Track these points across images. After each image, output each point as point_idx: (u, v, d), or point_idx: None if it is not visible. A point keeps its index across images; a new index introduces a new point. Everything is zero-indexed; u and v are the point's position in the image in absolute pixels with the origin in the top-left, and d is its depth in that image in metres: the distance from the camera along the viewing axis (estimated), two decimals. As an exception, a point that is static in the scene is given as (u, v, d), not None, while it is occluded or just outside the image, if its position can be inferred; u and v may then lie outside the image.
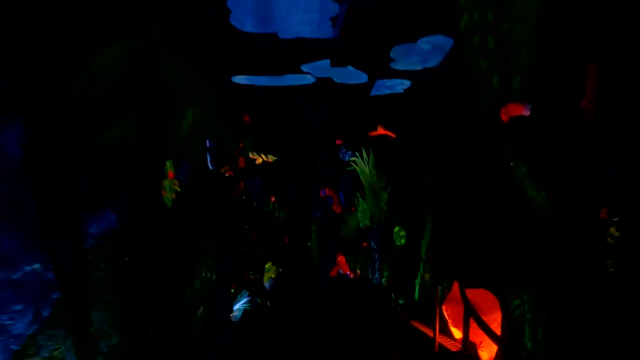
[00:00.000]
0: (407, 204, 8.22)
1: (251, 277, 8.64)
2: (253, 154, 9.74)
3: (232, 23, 4.80)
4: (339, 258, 11.96)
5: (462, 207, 5.69)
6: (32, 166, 2.57)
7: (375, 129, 9.72)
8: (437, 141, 6.94)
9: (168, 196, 4.34)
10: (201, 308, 5.64)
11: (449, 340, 5.62)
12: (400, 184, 8.92)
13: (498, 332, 4.40)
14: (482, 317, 4.02)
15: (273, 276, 9.46)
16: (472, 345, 4.72)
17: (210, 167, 6.89)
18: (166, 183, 4.34)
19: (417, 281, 7.19)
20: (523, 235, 4.08)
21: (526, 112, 3.71)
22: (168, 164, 4.46)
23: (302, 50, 5.69)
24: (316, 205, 12.53)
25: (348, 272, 11.74)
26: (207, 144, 6.78)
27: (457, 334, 5.55)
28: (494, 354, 4.63)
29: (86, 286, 3.00)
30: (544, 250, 3.77)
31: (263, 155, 10.04)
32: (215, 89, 7.29)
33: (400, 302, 7.76)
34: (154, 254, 3.96)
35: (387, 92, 7.62)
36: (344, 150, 11.24)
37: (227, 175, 7.83)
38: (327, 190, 12.36)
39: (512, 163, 4.17)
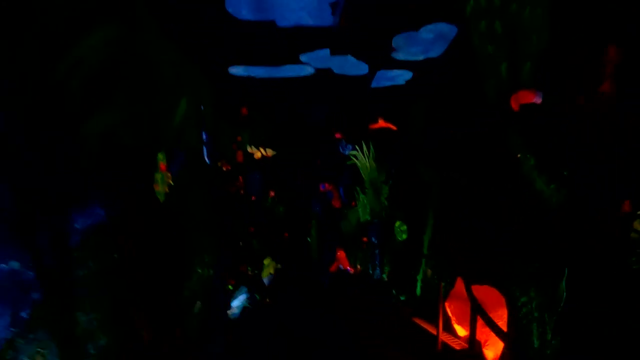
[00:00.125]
0: (409, 198, 8.11)
1: (249, 273, 8.54)
2: (251, 148, 9.61)
3: (228, 10, 4.67)
4: (339, 253, 11.86)
5: (465, 204, 5.57)
6: (9, 157, 2.39)
7: (376, 122, 9.58)
8: (438, 141, 6.83)
9: (160, 190, 4.18)
10: (198, 304, 5.50)
11: (453, 338, 5.51)
12: (402, 177, 8.80)
13: (504, 329, 4.28)
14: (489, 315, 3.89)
15: (272, 272, 9.36)
16: (477, 344, 4.61)
17: (207, 161, 6.74)
18: (158, 176, 4.18)
19: (419, 277, 7.10)
20: (530, 230, 3.94)
21: (537, 100, 3.53)
22: (160, 155, 4.29)
23: (301, 39, 5.55)
24: (316, 199, 12.42)
25: (348, 268, 11.64)
26: (204, 137, 6.63)
27: (461, 331, 5.44)
28: (499, 353, 4.51)
29: (71, 285, 2.83)
30: (553, 245, 3.63)
31: (262, 149, 9.92)
32: (212, 80, 7.15)
33: (402, 298, 7.65)
34: (145, 250, 3.80)
35: (389, 84, 7.48)
36: (344, 144, 11.12)
37: (224, 169, 7.69)
38: (326, 185, 12.24)
39: (519, 155, 4.01)
